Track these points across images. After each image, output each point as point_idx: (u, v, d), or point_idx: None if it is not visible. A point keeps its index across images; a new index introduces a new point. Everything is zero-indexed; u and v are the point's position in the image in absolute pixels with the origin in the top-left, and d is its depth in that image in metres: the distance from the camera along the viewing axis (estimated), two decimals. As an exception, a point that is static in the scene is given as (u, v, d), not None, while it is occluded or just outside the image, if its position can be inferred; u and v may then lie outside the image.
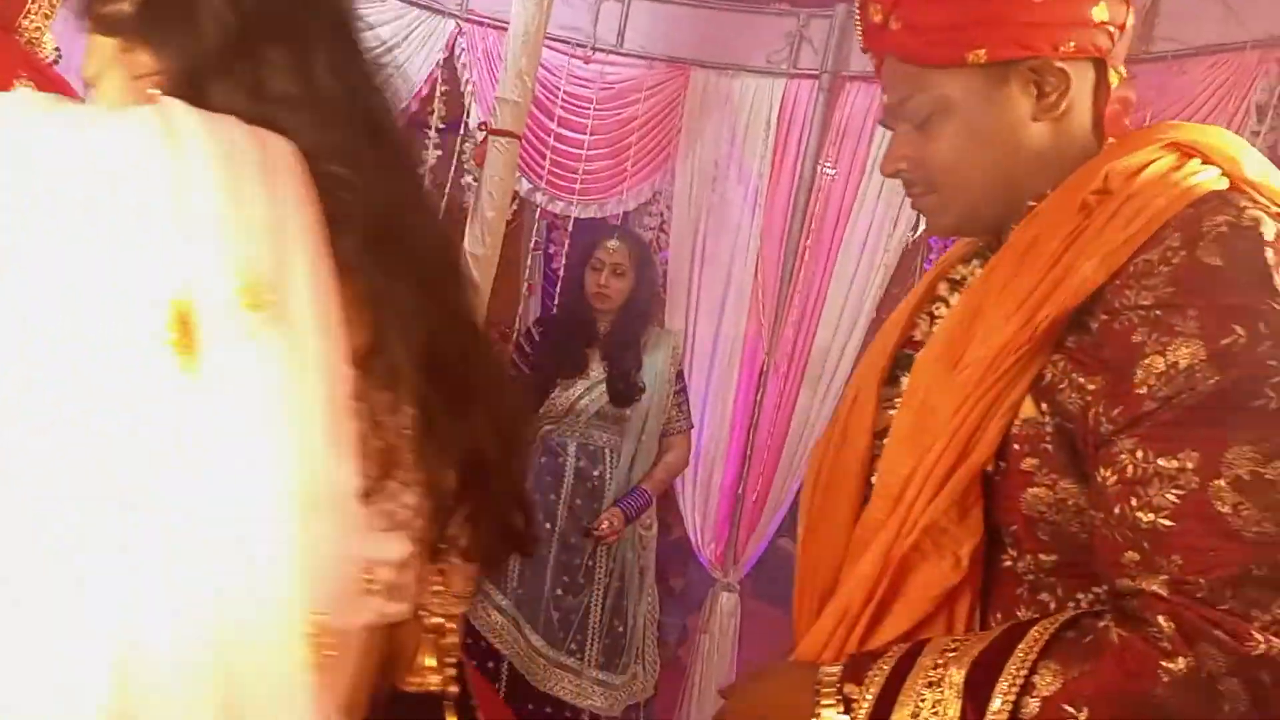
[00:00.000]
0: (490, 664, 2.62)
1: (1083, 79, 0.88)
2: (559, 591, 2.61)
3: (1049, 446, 0.80)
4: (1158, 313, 0.75)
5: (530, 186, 3.08)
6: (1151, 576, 0.73)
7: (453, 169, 3.09)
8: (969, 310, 0.87)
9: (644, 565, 2.72)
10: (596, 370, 2.65)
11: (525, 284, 3.44)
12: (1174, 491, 0.73)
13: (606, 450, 2.65)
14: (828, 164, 2.93)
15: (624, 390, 2.62)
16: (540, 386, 2.66)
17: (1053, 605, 0.83)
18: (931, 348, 0.90)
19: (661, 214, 3.20)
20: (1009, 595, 0.84)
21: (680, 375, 2.75)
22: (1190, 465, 0.72)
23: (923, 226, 3.60)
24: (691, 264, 3.10)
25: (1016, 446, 0.81)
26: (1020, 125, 0.87)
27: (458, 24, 3.00)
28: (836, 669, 0.81)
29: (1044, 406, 0.80)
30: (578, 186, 3.08)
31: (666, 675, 2.83)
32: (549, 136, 3.05)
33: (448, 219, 3.01)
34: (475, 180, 2.69)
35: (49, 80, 1.20)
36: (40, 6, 1.28)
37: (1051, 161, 0.88)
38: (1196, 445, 0.72)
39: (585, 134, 3.06)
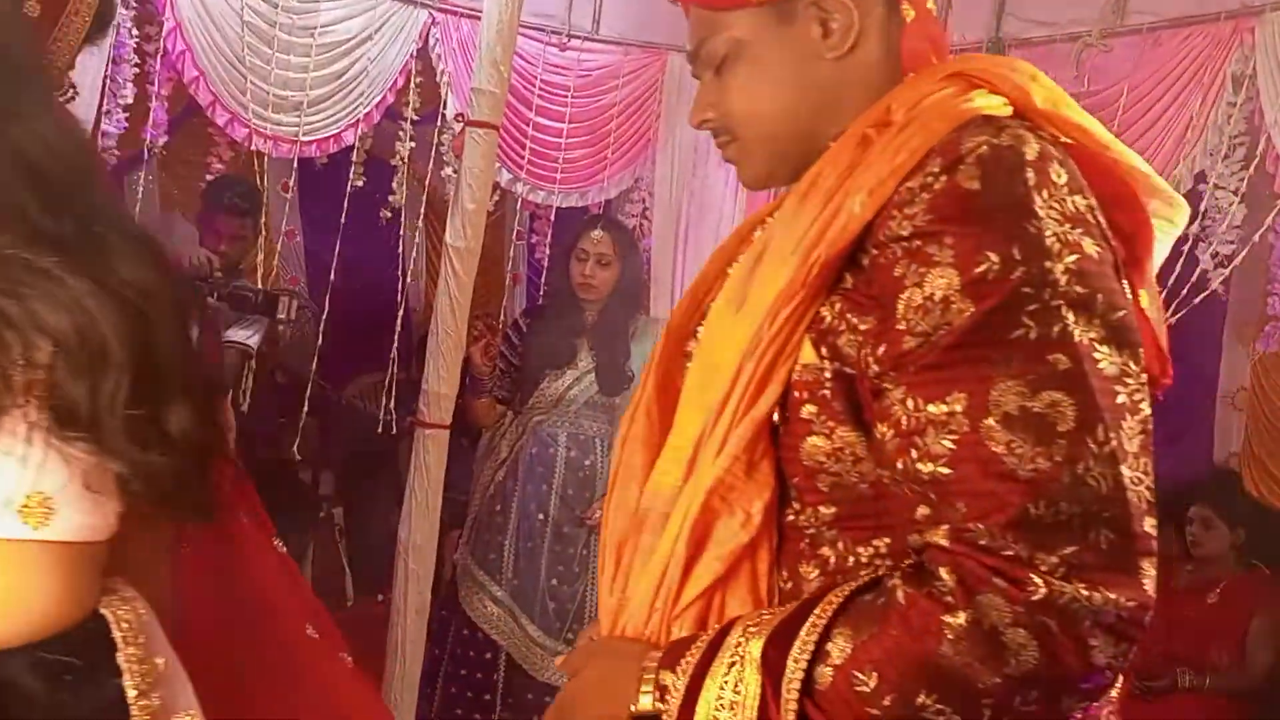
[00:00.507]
0: (488, 655, 2.61)
1: (870, 14, 0.84)
2: (554, 581, 2.60)
3: (827, 393, 0.77)
4: (917, 243, 0.72)
5: (510, 177, 3.05)
6: (935, 528, 0.70)
7: (431, 161, 3.05)
8: (755, 254, 0.85)
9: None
10: (585, 360, 2.63)
11: (509, 275, 3.41)
12: (948, 438, 0.69)
13: (597, 439, 2.64)
14: (809, 145, 2.92)
15: (613, 379, 2.60)
16: (529, 377, 2.64)
17: (832, 560, 0.79)
18: (723, 295, 0.87)
19: (644, 200, 3.18)
20: (794, 551, 0.80)
21: None
22: (959, 408, 0.69)
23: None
24: (675, 250, 3.09)
25: (796, 394, 0.78)
26: (810, 63, 0.84)
27: (430, 14, 2.96)
28: (657, 657, 0.79)
29: (823, 351, 0.77)
30: (558, 175, 3.06)
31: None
32: (527, 126, 3.02)
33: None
34: (455, 172, 2.66)
35: None
36: (61, 49, 1.37)
37: (845, 100, 0.85)
38: (962, 386, 0.69)
39: (564, 122, 3.03)
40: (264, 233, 3.01)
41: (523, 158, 3.03)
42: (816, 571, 0.79)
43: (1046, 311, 0.69)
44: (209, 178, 3.10)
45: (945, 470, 0.70)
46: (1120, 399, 0.69)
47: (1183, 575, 3.12)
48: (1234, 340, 3.40)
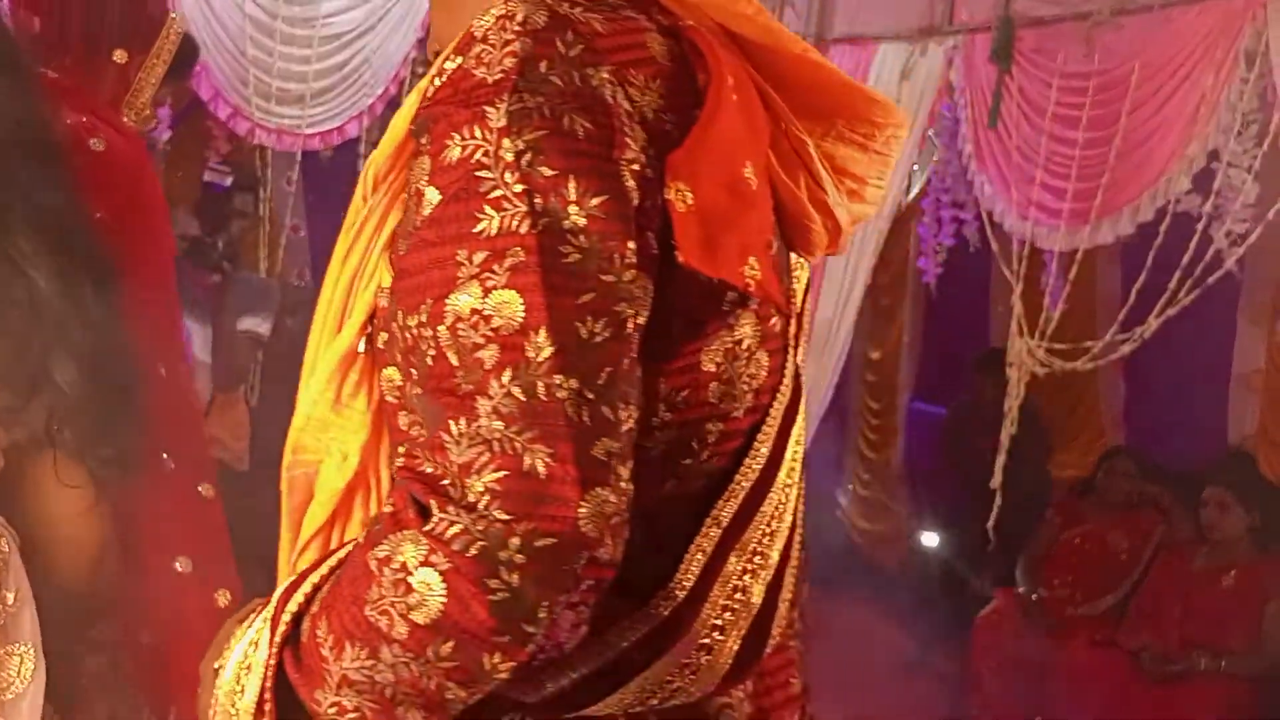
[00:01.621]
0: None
1: None
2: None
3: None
4: (418, 137, 0.65)
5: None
6: (400, 457, 0.65)
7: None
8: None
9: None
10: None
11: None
12: (419, 355, 0.63)
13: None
14: (816, 130, 2.90)
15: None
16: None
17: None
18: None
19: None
20: (389, 495, 0.74)
21: None
22: (424, 317, 0.62)
23: (914, 190, 3.58)
24: (682, 238, 3.07)
25: (376, 320, 0.71)
26: None
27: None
28: (238, 613, 0.75)
29: (392, 270, 0.70)
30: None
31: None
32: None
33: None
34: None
35: (117, 131, 1.38)
36: (144, 88, 1.56)
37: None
38: (430, 291, 0.62)
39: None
40: (267, 227, 3.00)
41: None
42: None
43: (507, 200, 0.60)
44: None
45: (418, 390, 0.64)
46: (585, 299, 0.60)
47: (1198, 559, 3.11)
48: (1248, 321, 3.37)
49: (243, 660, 0.69)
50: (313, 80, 2.83)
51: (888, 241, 2.97)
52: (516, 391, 0.59)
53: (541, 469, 0.59)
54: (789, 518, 0.75)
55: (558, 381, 0.59)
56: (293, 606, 0.67)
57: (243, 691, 0.68)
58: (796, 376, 0.78)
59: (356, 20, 2.88)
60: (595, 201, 0.61)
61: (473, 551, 0.58)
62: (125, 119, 1.55)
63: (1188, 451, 3.59)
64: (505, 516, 0.58)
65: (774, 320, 0.73)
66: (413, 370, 0.64)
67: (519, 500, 0.59)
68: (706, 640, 0.69)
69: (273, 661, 0.67)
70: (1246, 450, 3.26)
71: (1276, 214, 2.60)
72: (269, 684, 0.67)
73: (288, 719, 0.67)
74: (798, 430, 0.77)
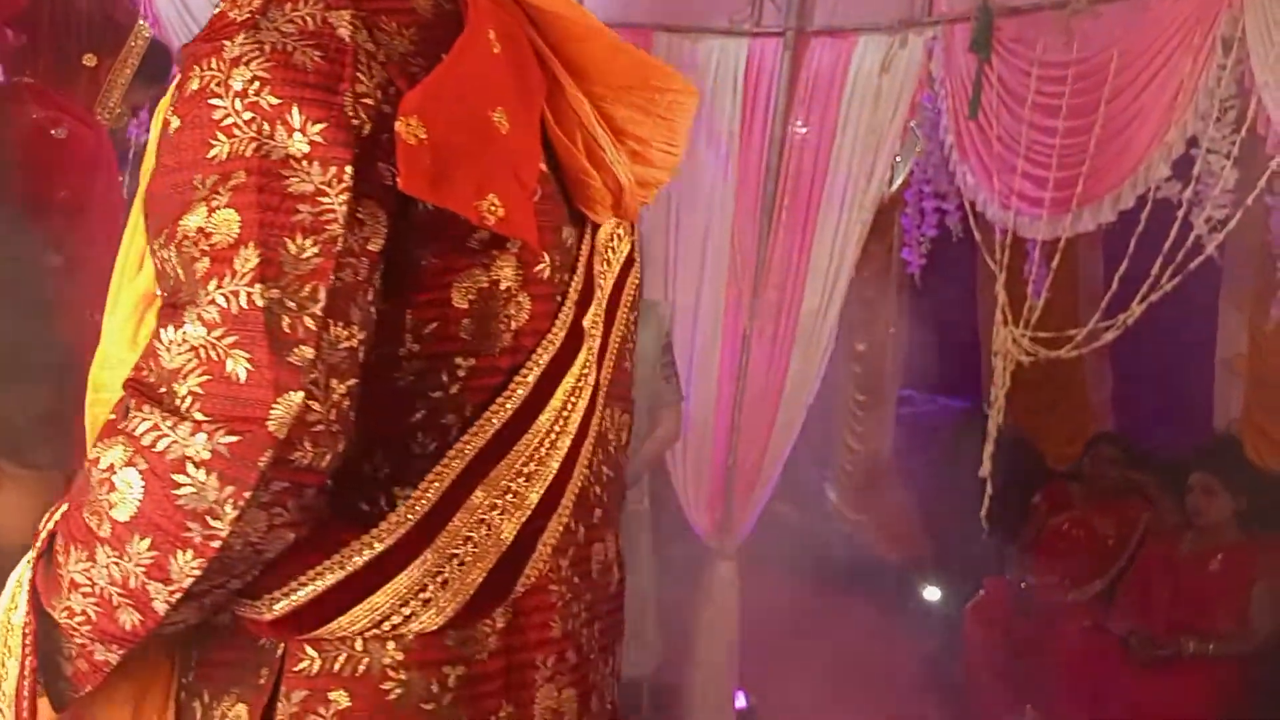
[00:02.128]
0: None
1: None
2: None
3: None
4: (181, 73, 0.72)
5: (498, 165, 3.02)
6: None
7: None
8: None
9: (636, 541, 2.69)
10: (579, 346, 2.61)
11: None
12: (164, 277, 0.70)
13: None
14: (798, 122, 2.89)
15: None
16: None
17: None
18: None
19: (633, 184, 3.16)
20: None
21: (669, 347, 2.72)
22: (163, 240, 0.68)
23: (898, 180, 3.58)
24: (666, 233, 3.07)
25: None
26: None
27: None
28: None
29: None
30: (546, 162, 3.03)
31: (670, 648, 2.81)
32: (513, 112, 2.99)
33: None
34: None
35: (79, 122, 1.56)
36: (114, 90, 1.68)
37: None
38: (165, 218, 0.68)
39: (550, 107, 3.00)
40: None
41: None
42: None
43: (237, 127, 0.65)
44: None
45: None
46: (298, 218, 0.65)
47: (1185, 543, 3.12)
48: (1230, 306, 3.39)
49: (18, 578, 0.73)
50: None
51: (871, 233, 2.97)
52: (221, 299, 0.64)
53: (242, 373, 0.63)
54: (555, 464, 0.77)
55: (258, 290, 0.64)
56: (49, 524, 0.71)
57: (16, 607, 0.71)
58: (578, 329, 0.80)
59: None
60: (316, 129, 0.66)
61: (162, 448, 0.62)
62: (100, 118, 1.69)
63: (1174, 437, 3.61)
64: (203, 417, 0.62)
65: (541, 267, 0.76)
66: (161, 292, 0.69)
67: (218, 402, 0.63)
68: (443, 571, 0.71)
69: (28, 575, 0.71)
70: (1232, 435, 3.28)
71: (1255, 199, 2.62)
72: (29, 598, 0.70)
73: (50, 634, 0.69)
74: (575, 380, 0.79)
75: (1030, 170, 2.62)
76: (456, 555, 0.72)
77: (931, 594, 4.19)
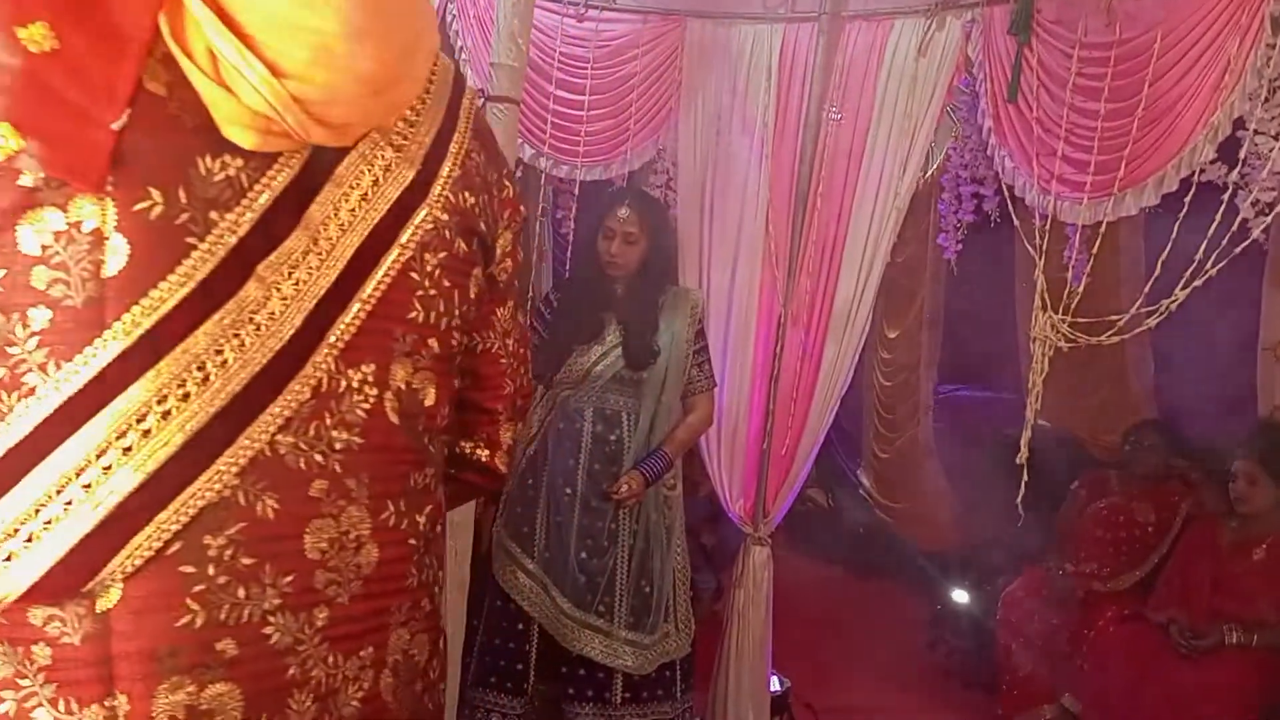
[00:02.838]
0: (520, 626, 2.64)
1: None
2: (583, 555, 2.62)
3: None
4: None
5: (533, 152, 3.03)
6: None
7: (453, 140, 3.04)
8: None
9: (670, 525, 2.71)
10: (612, 335, 2.63)
11: (535, 251, 3.41)
12: None
13: (623, 414, 2.64)
14: (833, 108, 2.87)
15: (639, 354, 2.60)
16: (558, 352, 2.65)
17: None
18: None
19: (668, 171, 3.15)
20: None
21: (701, 334, 2.72)
22: None
23: (933, 166, 3.55)
24: (701, 219, 3.07)
25: None
26: None
27: (447, -10, 2.95)
28: None
29: None
30: (581, 149, 3.04)
31: (704, 632, 2.83)
32: (548, 100, 3.00)
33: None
34: (477, 149, 2.65)
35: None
36: None
37: None
38: None
39: (585, 94, 3.01)
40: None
41: (545, 132, 3.01)
42: None
43: None
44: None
45: None
46: None
47: (1227, 532, 3.08)
48: (1275, 290, 3.32)
49: None
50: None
51: (907, 219, 2.94)
52: None
53: None
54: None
55: None
56: None
57: None
58: (232, 273, 0.74)
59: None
60: None
61: None
62: None
63: (1217, 424, 3.55)
64: None
65: (146, 205, 0.70)
66: None
67: None
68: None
69: None
70: (1276, 422, 3.22)
71: (1304, 181, 2.56)
72: None
73: None
74: (214, 335, 0.74)
75: (1071, 154, 2.58)
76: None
77: (968, 581, 4.16)
